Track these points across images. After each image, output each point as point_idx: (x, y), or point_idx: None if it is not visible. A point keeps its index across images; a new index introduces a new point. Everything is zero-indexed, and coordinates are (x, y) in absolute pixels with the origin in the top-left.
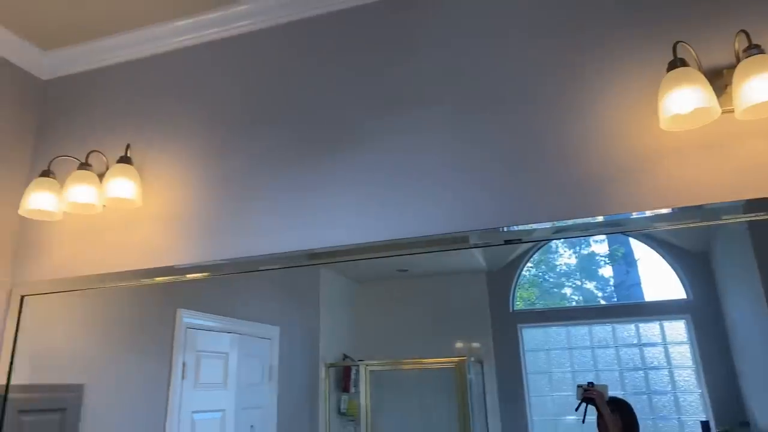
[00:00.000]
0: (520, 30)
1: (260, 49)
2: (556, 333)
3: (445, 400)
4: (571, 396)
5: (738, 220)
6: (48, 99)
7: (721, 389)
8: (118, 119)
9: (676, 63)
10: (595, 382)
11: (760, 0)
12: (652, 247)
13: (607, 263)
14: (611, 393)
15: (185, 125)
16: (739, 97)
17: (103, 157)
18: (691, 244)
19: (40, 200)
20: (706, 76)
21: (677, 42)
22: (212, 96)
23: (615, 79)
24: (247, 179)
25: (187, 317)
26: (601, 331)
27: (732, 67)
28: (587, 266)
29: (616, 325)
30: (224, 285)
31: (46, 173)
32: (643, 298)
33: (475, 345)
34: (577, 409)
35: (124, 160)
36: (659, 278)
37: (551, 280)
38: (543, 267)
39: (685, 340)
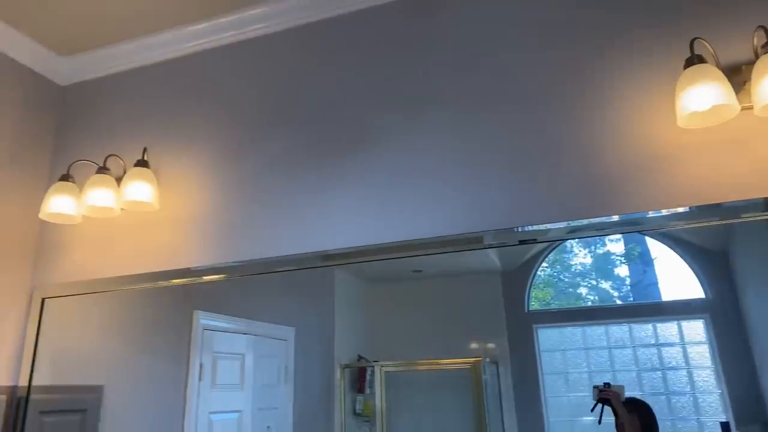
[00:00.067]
0: (536, 30)
1: (275, 51)
2: (572, 333)
3: (460, 401)
4: (587, 396)
5: (758, 218)
6: (66, 104)
7: (742, 389)
8: (135, 123)
9: (694, 60)
10: (611, 383)
11: None
12: (669, 246)
13: (623, 262)
14: (629, 393)
15: (201, 128)
16: (758, 93)
17: (121, 161)
18: (710, 242)
19: (59, 204)
20: (724, 73)
21: (694, 38)
22: (228, 99)
23: (632, 77)
24: (262, 181)
25: (203, 319)
26: (618, 331)
27: (751, 63)
28: (603, 266)
29: (633, 325)
30: (240, 287)
31: (65, 177)
32: (660, 297)
33: (490, 346)
34: (592, 410)
35: (142, 163)
36: (677, 277)
37: (566, 280)
38: (558, 267)
39: (704, 340)
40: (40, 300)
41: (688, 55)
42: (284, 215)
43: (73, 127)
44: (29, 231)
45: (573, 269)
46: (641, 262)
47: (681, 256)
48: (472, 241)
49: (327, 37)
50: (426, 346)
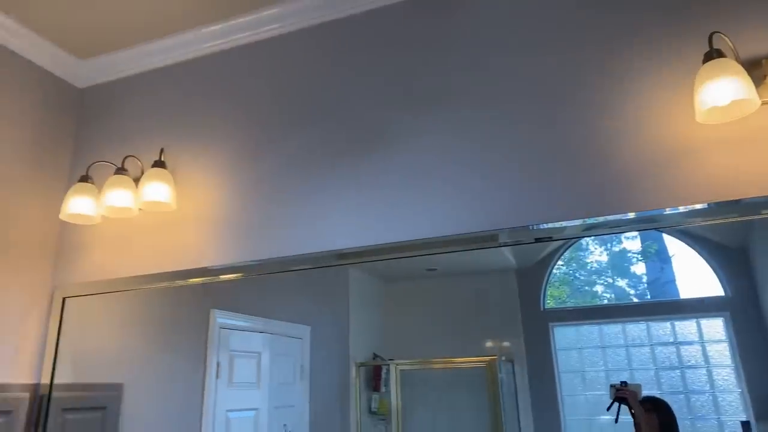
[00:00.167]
0: (550, 27)
1: (290, 51)
2: (588, 331)
3: (475, 400)
4: (604, 395)
5: None
6: (85, 106)
7: (763, 388)
8: (152, 124)
9: (713, 54)
10: (629, 381)
11: None
12: (687, 243)
13: (640, 260)
14: (647, 392)
15: (217, 129)
16: None
17: (139, 162)
18: (728, 239)
19: (79, 205)
20: (743, 67)
21: (713, 32)
22: (244, 99)
23: (649, 73)
24: (278, 181)
25: (220, 317)
26: (635, 329)
27: None
28: (619, 263)
29: (651, 323)
30: (256, 285)
31: (84, 179)
32: (678, 295)
33: (506, 344)
34: (608, 409)
35: (159, 164)
36: (695, 275)
37: (582, 277)
38: (574, 265)
39: (724, 338)
40: (60, 299)
41: (707, 49)
42: (300, 214)
43: (92, 128)
44: (50, 232)
45: (589, 267)
46: (658, 259)
47: (699, 254)
48: (487, 240)
49: (341, 37)
50: (441, 344)
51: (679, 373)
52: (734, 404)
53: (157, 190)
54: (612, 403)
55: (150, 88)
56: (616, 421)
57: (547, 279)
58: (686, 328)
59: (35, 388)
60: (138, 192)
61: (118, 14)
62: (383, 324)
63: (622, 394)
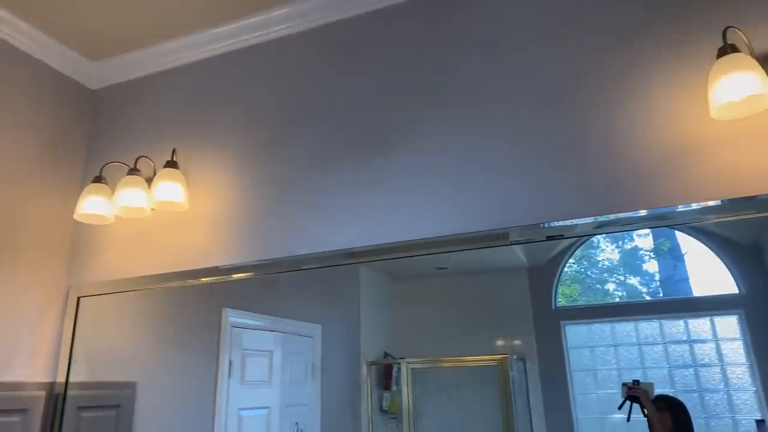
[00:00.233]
0: (561, 23)
1: (300, 52)
2: (600, 330)
3: (487, 398)
4: (617, 394)
5: None
6: (97, 107)
7: None
8: (165, 125)
9: (727, 49)
10: (641, 380)
11: None
12: (700, 241)
13: (652, 258)
14: (660, 390)
15: (229, 129)
16: None
17: (151, 162)
18: (743, 236)
19: (93, 205)
20: (758, 62)
21: (727, 27)
22: (254, 99)
23: (661, 69)
24: (288, 181)
25: (232, 316)
26: (648, 327)
27: None
28: (631, 261)
29: (664, 321)
30: (268, 284)
31: (98, 179)
32: (691, 293)
33: (517, 342)
34: (620, 408)
35: (171, 164)
36: (709, 272)
37: (594, 276)
38: (585, 263)
39: (738, 336)
40: (75, 299)
41: (719, 45)
42: (310, 214)
43: (105, 129)
44: (64, 232)
45: (600, 265)
46: (671, 257)
47: (713, 251)
48: (498, 238)
49: (348, 37)
50: (452, 342)
51: (692, 372)
52: (749, 403)
53: (170, 190)
54: (624, 402)
55: (162, 89)
56: (628, 419)
57: (559, 277)
58: (700, 326)
59: (51, 386)
60: (150, 192)
61: (131, 16)
62: (394, 322)
63: (634, 392)
